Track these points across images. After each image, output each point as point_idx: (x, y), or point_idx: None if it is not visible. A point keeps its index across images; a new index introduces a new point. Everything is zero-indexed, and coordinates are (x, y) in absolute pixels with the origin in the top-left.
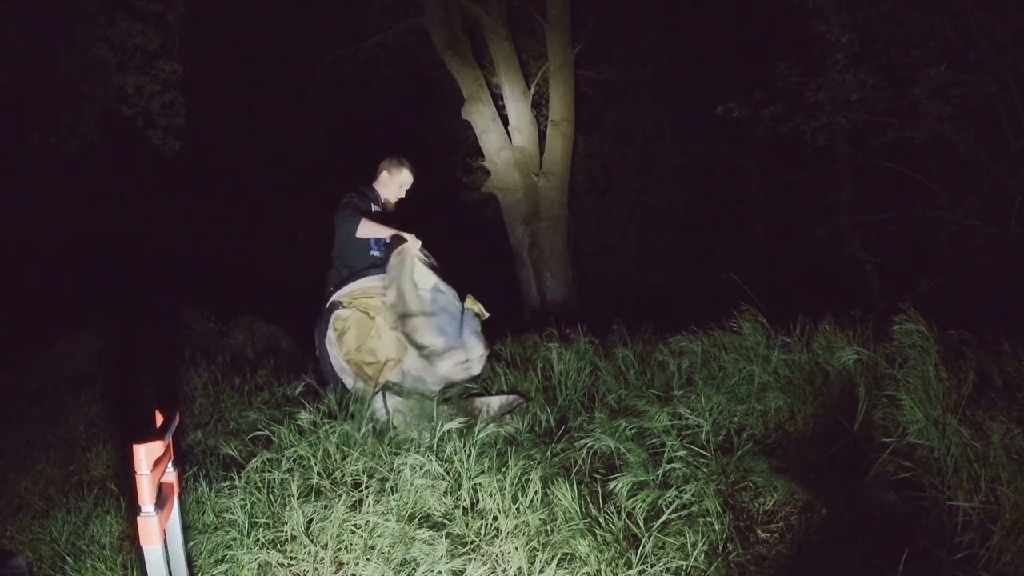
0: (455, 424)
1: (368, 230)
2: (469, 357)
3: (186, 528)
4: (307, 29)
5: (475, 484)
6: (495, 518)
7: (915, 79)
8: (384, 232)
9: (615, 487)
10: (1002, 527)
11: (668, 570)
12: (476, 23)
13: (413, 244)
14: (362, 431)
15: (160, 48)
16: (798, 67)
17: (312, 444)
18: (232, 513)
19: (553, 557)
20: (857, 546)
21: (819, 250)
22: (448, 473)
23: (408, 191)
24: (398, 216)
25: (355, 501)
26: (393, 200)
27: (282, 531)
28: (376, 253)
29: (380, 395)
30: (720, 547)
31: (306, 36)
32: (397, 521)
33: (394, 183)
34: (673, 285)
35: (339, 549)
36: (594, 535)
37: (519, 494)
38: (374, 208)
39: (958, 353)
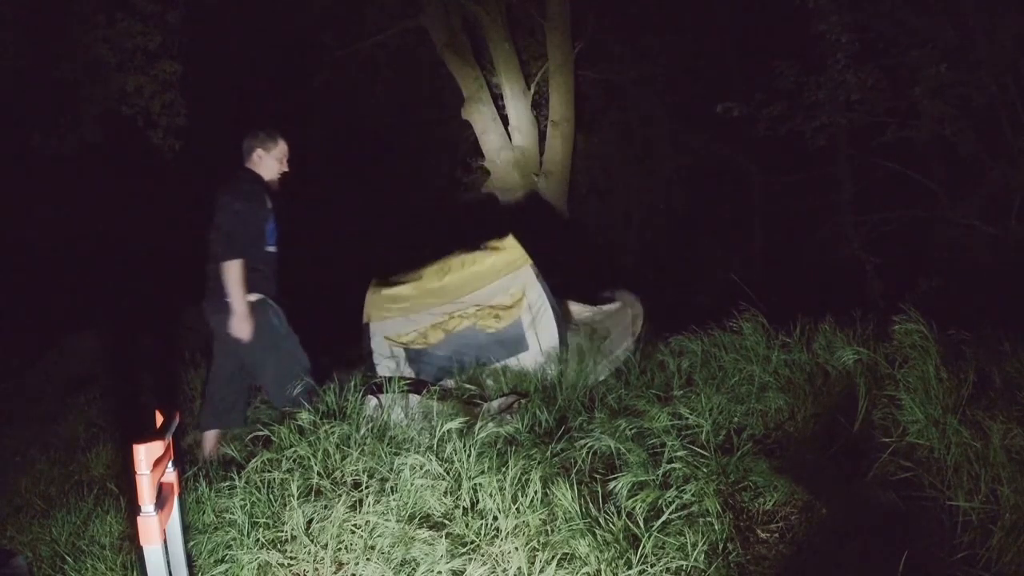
0: (455, 424)
1: (234, 275)
2: None
3: (186, 528)
4: (307, 29)
5: (475, 484)
6: (495, 518)
7: (915, 79)
8: (240, 298)
9: (615, 487)
10: (1002, 527)
11: (668, 570)
12: (476, 23)
13: (243, 329)
14: (362, 431)
15: (160, 48)
16: (798, 67)
17: (312, 444)
18: (232, 513)
19: (553, 557)
20: (857, 546)
21: (819, 250)
22: (448, 473)
23: (288, 161)
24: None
25: (355, 501)
26: (275, 178)
27: (282, 531)
28: (271, 249)
29: (373, 394)
30: (720, 547)
31: (306, 36)
32: (397, 521)
33: (272, 159)
34: (673, 285)
35: (339, 549)
36: (594, 535)
37: (519, 494)
38: (268, 204)
39: (958, 353)
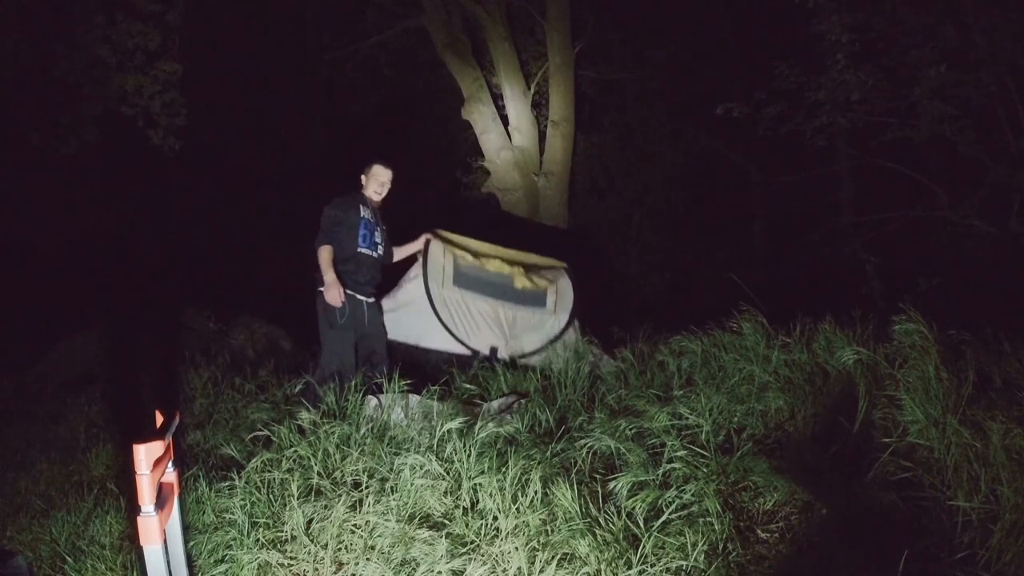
0: (455, 424)
1: (324, 258)
2: None
3: (186, 528)
4: (307, 29)
5: (475, 484)
6: (495, 518)
7: (915, 79)
8: (326, 272)
9: (615, 487)
10: (1002, 527)
11: (668, 570)
12: (476, 23)
13: (331, 296)
14: (362, 431)
15: (160, 48)
16: (798, 67)
17: (312, 444)
18: (232, 513)
19: (553, 557)
20: (857, 546)
21: (819, 250)
22: (448, 473)
23: (392, 185)
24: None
25: (355, 501)
26: (377, 198)
27: (282, 531)
28: (364, 251)
29: (373, 394)
30: (720, 547)
31: (306, 36)
32: (397, 521)
33: (373, 183)
34: (673, 285)
35: (339, 549)
36: (594, 535)
37: (519, 494)
38: (363, 211)
39: (958, 353)
